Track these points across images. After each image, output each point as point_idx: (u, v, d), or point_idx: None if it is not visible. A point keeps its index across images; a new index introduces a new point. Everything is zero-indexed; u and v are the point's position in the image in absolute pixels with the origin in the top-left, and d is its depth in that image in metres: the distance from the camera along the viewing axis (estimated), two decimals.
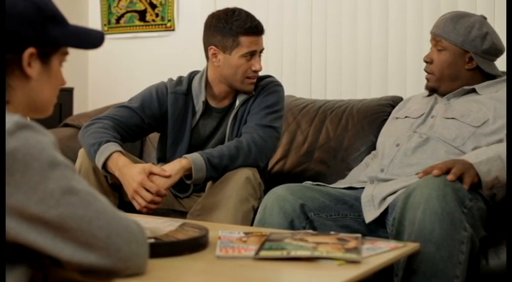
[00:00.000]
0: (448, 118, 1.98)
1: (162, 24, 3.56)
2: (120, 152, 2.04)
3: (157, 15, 3.57)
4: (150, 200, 1.96)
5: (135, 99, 2.29)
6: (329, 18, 3.06)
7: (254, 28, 2.19)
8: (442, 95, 2.08)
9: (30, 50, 1.10)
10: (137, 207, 1.98)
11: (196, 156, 2.04)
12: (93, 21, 3.78)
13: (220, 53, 2.21)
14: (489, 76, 2.05)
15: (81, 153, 2.13)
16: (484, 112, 1.94)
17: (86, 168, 2.09)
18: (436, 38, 2.06)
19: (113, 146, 2.04)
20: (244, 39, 2.17)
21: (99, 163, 2.03)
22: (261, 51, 2.23)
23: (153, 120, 2.28)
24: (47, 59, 1.15)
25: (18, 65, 1.10)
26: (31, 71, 1.11)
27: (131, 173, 1.98)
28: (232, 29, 2.17)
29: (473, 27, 2.00)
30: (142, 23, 3.62)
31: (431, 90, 2.12)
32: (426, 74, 2.10)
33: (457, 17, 2.03)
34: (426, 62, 2.09)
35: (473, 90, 2.03)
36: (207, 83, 2.29)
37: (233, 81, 2.23)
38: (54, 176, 1.00)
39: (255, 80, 2.25)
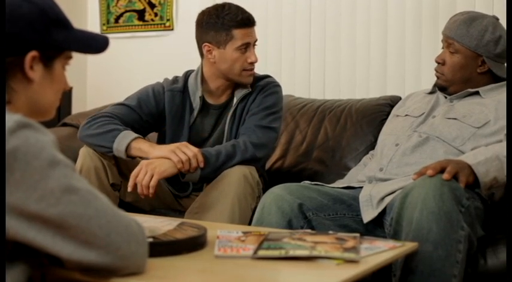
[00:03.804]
0: (449, 118, 1.98)
1: (161, 24, 3.56)
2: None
3: (156, 14, 3.57)
4: (192, 155, 1.99)
5: (132, 98, 2.29)
6: (328, 18, 3.05)
7: (246, 20, 2.19)
8: (450, 94, 2.08)
9: (33, 53, 1.10)
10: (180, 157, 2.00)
11: None
12: (92, 20, 3.77)
13: (214, 48, 2.21)
14: (500, 79, 2.04)
15: (82, 152, 2.12)
16: (485, 114, 1.94)
17: (87, 167, 2.09)
18: (448, 40, 2.04)
19: (135, 134, 2.08)
20: (237, 32, 2.18)
21: (122, 145, 2.04)
22: (254, 43, 2.24)
23: (151, 118, 2.28)
24: (49, 62, 1.14)
25: (20, 67, 1.10)
26: (33, 74, 1.11)
27: (167, 146, 2.05)
28: (224, 23, 2.17)
29: (487, 31, 1.99)
30: (141, 23, 3.62)
31: (441, 88, 2.10)
32: (436, 72, 2.09)
33: (470, 20, 2.02)
34: (438, 62, 2.08)
35: (477, 93, 2.03)
36: (203, 80, 2.30)
37: (231, 75, 2.23)
38: (54, 175, 1.00)
39: (252, 72, 2.25)
